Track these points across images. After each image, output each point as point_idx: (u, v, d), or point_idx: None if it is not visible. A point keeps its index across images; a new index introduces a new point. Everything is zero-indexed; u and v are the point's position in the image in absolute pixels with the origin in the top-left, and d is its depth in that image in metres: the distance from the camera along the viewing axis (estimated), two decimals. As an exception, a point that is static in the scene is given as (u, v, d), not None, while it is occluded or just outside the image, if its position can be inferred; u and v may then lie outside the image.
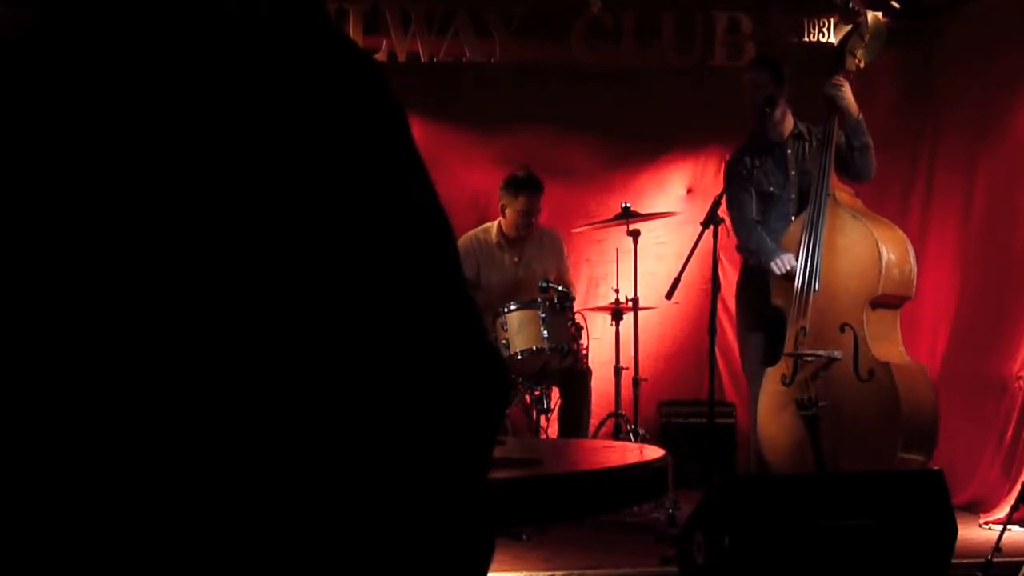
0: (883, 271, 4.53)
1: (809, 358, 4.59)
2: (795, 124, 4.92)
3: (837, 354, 4.53)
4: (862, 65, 4.89)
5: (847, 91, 4.75)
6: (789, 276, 4.69)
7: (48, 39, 0.87)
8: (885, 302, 4.60)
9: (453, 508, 0.90)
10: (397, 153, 0.90)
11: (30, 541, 0.81)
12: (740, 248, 5.02)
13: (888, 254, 4.56)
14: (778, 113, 4.86)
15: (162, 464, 0.82)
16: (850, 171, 4.84)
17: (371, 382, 0.86)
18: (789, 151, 4.89)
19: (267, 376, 0.83)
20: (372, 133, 0.89)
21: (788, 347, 4.68)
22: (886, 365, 4.44)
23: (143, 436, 0.82)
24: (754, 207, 4.91)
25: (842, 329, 4.55)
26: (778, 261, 4.70)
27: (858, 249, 4.60)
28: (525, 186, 5.40)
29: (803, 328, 4.64)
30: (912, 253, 4.66)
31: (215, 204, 0.83)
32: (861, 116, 4.78)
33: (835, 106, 4.74)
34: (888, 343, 4.60)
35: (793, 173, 4.87)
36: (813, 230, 4.65)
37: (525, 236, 5.52)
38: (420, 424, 0.88)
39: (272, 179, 0.85)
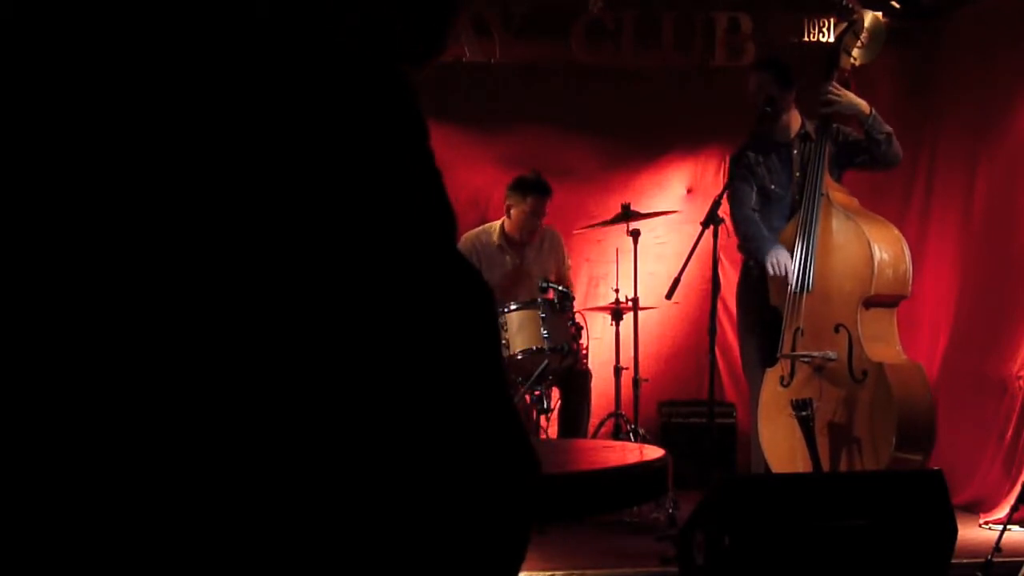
0: (875, 271, 4.51)
1: (805, 359, 4.59)
2: (803, 124, 4.89)
3: (832, 355, 4.52)
4: (858, 63, 4.88)
5: (847, 97, 4.75)
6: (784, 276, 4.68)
7: (48, 38, 0.86)
8: (880, 301, 4.59)
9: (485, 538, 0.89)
10: (398, 158, 0.90)
11: (30, 542, 0.81)
12: (740, 246, 5.00)
13: (881, 254, 4.54)
14: (781, 113, 4.84)
15: (167, 466, 0.81)
16: (878, 162, 4.82)
17: (380, 395, 0.86)
18: (795, 151, 4.86)
19: (274, 383, 0.83)
20: (376, 136, 0.88)
21: (785, 348, 4.67)
22: (879, 365, 4.43)
23: (148, 438, 0.81)
24: (755, 202, 4.88)
25: (836, 329, 4.55)
26: (773, 261, 4.67)
27: (851, 249, 4.58)
28: (534, 188, 5.38)
29: (799, 329, 4.64)
30: (907, 252, 4.63)
31: (221, 210, 0.83)
32: (873, 110, 4.77)
33: (830, 116, 4.74)
34: (883, 343, 4.59)
35: (797, 174, 4.84)
36: (807, 230, 4.64)
37: (528, 239, 5.50)
38: (440, 447, 0.87)
39: (274, 181, 0.84)
